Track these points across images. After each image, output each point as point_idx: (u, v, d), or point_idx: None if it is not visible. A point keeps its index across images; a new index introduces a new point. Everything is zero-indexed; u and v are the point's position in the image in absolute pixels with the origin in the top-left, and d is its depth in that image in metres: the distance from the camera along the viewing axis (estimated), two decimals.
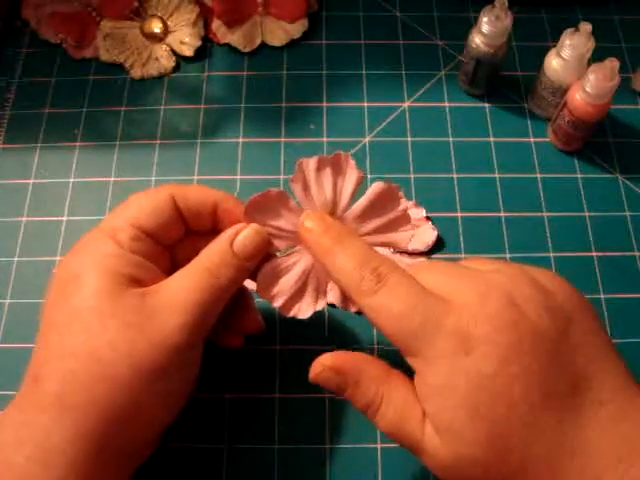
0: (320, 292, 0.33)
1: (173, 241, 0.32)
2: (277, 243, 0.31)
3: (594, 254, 0.42)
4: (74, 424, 0.26)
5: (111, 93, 0.48)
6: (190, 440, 0.36)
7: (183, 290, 0.28)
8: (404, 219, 0.32)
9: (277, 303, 0.32)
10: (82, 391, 0.26)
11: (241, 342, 0.35)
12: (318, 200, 0.31)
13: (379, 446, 0.36)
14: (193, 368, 0.30)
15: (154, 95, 0.48)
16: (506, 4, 0.41)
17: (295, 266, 0.32)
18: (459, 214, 0.43)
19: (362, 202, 0.31)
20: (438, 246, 0.42)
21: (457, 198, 0.44)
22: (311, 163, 0.30)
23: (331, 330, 0.39)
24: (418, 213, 0.42)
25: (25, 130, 0.46)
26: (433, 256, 0.41)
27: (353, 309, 0.35)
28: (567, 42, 0.41)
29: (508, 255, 0.42)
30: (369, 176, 0.44)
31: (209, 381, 0.38)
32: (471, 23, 0.44)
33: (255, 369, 0.38)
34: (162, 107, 0.47)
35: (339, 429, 0.37)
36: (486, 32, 0.42)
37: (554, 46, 0.42)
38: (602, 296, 0.40)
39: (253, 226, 0.30)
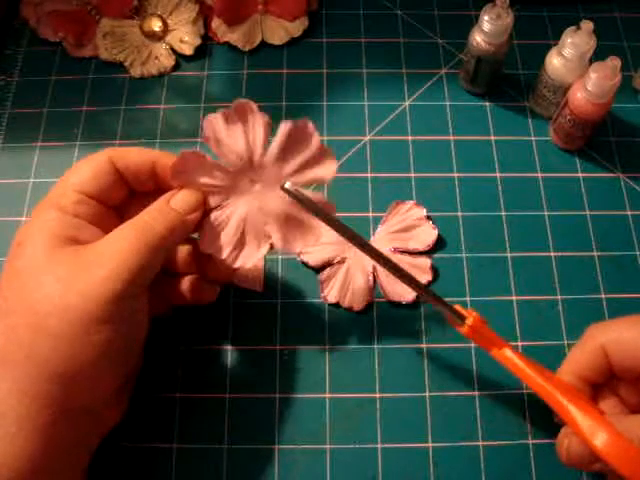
0: (260, 238, 0.33)
1: (117, 202, 0.33)
2: (210, 199, 0.32)
3: (595, 253, 0.42)
4: (14, 378, 0.27)
5: (111, 92, 0.48)
6: (190, 440, 0.36)
7: (116, 241, 0.29)
8: (323, 153, 0.32)
9: (223, 256, 0.33)
10: (21, 345, 0.27)
11: (214, 296, 0.36)
12: (232, 153, 0.32)
13: (379, 446, 0.36)
14: (133, 320, 0.30)
15: (154, 94, 0.48)
16: (507, 2, 0.41)
17: (231, 218, 0.33)
18: (460, 213, 0.43)
19: (274, 145, 0.32)
20: (439, 245, 0.42)
21: (458, 197, 0.43)
22: (218, 119, 0.31)
23: (331, 330, 0.39)
24: (419, 212, 0.42)
25: (24, 129, 0.46)
26: (434, 256, 0.41)
27: (296, 249, 0.34)
28: (568, 40, 0.41)
29: (509, 254, 0.41)
30: (370, 175, 0.44)
31: (209, 381, 0.38)
32: (472, 21, 0.44)
33: (255, 369, 0.38)
34: (162, 106, 0.47)
35: (339, 429, 0.36)
36: (487, 30, 0.41)
37: (555, 44, 0.42)
38: (603, 296, 0.40)
39: (187, 189, 0.32)
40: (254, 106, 0.31)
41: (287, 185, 0.32)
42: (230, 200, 0.33)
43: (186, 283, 0.36)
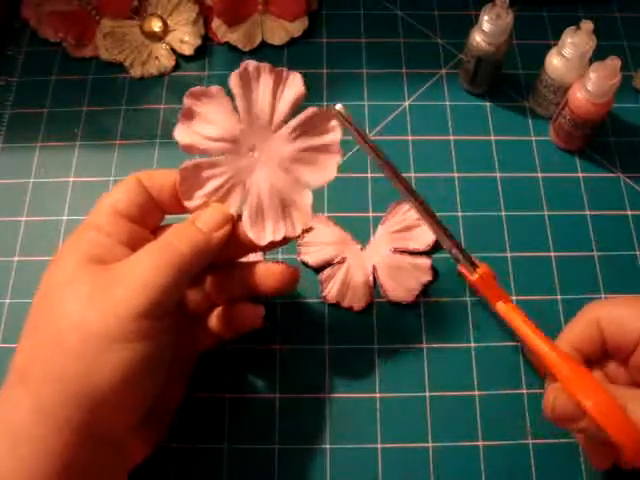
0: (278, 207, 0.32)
1: (152, 225, 0.33)
2: (232, 200, 0.32)
3: (595, 253, 0.42)
4: (32, 398, 0.26)
5: (111, 92, 0.48)
6: (190, 440, 0.36)
7: (139, 261, 0.29)
8: (334, 148, 0.32)
9: (267, 234, 0.32)
10: (40, 363, 0.27)
11: (260, 321, 0.35)
12: (258, 104, 0.31)
13: (379, 446, 0.36)
14: (156, 343, 0.29)
15: (154, 94, 0.48)
16: (507, 2, 0.41)
17: (260, 195, 0.32)
18: (460, 213, 0.43)
19: (297, 118, 0.32)
20: (439, 245, 0.42)
21: (458, 197, 0.43)
22: (266, 68, 0.31)
23: (331, 330, 0.39)
24: None
25: (25, 129, 0.46)
26: (434, 256, 0.41)
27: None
28: (568, 40, 0.41)
29: (509, 254, 0.41)
30: (370, 175, 0.44)
31: (209, 381, 0.38)
32: (472, 21, 0.44)
33: (255, 369, 0.38)
34: (162, 106, 0.47)
35: (339, 429, 0.37)
36: (487, 30, 0.41)
37: (555, 44, 0.42)
38: (603, 295, 0.40)
39: (214, 205, 0.32)
40: (298, 75, 0.31)
41: (338, 107, 0.32)
42: (247, 183, 0.32)
43: (226, 312, 0.35)
